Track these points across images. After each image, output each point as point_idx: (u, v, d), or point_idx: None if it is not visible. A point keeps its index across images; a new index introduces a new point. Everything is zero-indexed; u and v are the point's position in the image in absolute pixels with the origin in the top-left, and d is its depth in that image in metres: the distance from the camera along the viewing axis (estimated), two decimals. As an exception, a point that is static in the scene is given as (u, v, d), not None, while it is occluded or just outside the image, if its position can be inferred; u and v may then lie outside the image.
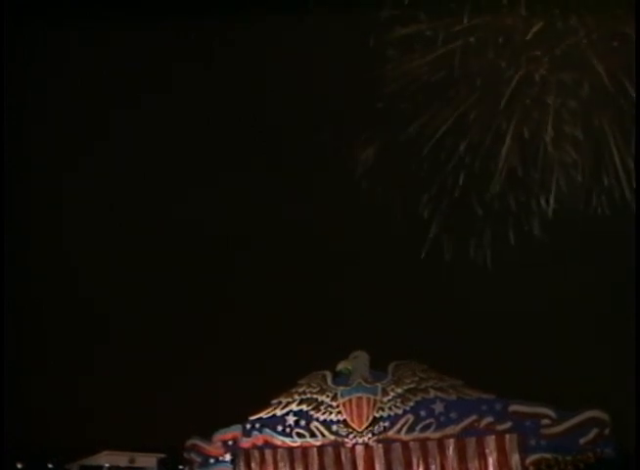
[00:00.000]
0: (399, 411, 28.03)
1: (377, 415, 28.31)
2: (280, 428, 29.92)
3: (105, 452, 34.65)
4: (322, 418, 29.29)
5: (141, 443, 35.24)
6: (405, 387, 28.10)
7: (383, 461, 28.03)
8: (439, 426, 27.31)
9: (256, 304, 37.10)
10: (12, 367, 23.50)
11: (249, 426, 30.49)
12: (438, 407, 27.44)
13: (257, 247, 37.77)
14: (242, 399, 32.43)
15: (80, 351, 37.85)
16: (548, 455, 25.33)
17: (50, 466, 34.59)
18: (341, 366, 29.20)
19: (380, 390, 28.46)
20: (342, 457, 28.73)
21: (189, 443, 31.58)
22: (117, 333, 38.91)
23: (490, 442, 26.45)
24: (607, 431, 24.90)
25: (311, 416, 29.52)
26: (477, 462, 26.55)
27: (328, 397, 29.39)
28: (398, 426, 27.94)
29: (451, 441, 27.07)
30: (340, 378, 29.43)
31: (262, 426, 30.27)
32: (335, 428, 29.00)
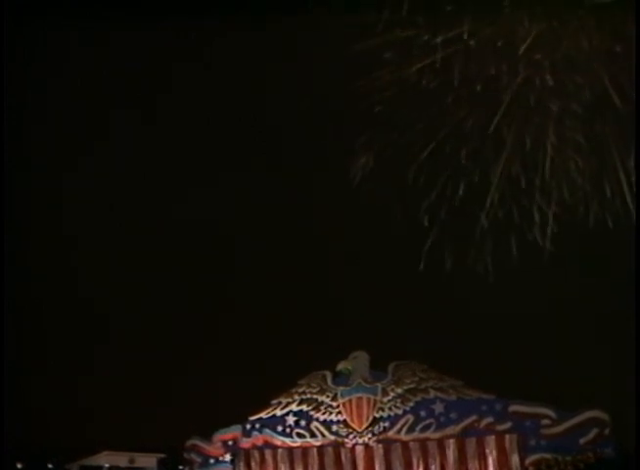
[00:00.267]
0: (399, 411, 28.01)
1: (377, 415, 28.30)
2: (280, 428, 29.90)
3: (105, 452, 34.63)
4: (322, 418, 29.27)
5: (141, 443, 35.24)
6: (405, 387, 28.09)
7: (383, 462, 28.01)
8: (439, 426, 27.30)
9: (256, 304, 37.12)
10: (12, 367, 23.49)
11: (249, 426, 30.47)
12: (438, 408, 27.42)
13: (257, 247, 37.77)
14: (242, 399, 32.46)
15: (80, 351, 37.85)
16: (548, 455, 25.31)
17: (50, 466, 34.56)
18: (340, 366, 29.18)
19: (380, 390, 28.44)
20: (342, 458, 28.71)
21: (189, 443, 31.57)
22: (117, 333, 38.92)
23: (490, 442, 26.44)
24: (607, 431, 24.89)
25: (311, 416, 29.50)
26: (477, 462, 26.54)
27: (328, 397, 29.38)
28: (398, 426, 27.92)
29: (451, 441, 27.06)
30: (340, 378, 29.42)
31: (262, 426, 30.25)
32: (335, 428, 28.99)
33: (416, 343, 31.21)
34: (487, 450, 26.43)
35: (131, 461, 34.74)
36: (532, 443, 25.79)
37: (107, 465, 34.13)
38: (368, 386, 28.68)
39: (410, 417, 27.79)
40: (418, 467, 27.48)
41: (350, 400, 28.82)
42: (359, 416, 28.58)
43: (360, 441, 28.45)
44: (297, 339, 34.58)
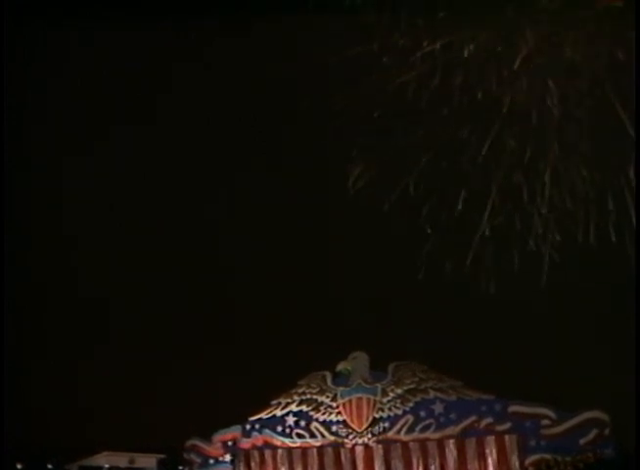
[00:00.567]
0: (399, 412, 28.03)
1: (377, 416, 28.31)
2: (280, 428, 29.91)
3: (105, 453, 34.59)
4: (322, 419, 29.28)
5: (141, 443, 35.22)
6: (405, 387, 28.10)
7: (382, 462, 28.03)
8: (439, 426, 27.31)
9: (256, 304, 37.10)
10: (12, 367, 23.50)
11: (248, 427, 30.49)
12: (438, 408, 27.44)
13: (257, 247, 37.76)
14: (242, 400, 32.45)
15: (80, 350, 37.84)
16: (548, 456, 25.32)
17: (50, 466, 34.53)
18: (340, 367, 29.19)
19: (379, 390, 28.45)
20: (342, 458, 28.73)
21: (189, 443, 31.59)
22: (117, 333, 38.91)
23: (490, 442, 26.45)
24: (607, 431, 24.90)
25: (311, 417, 29.51)
26: (476, 463, 26.55)
27: (328, 397, 29.38)
28: (398, 426, 27.93)
29: (451, 441, 27.08)
30: (339, 379, 29.43)
31: (262, 427, 30.26)
32: (334, 428, 29.00)
33: (416, 343, 31.18)
34: (487, 451, 26.44)
35: (131, 461, 34.70)
36: (532, 443, 25.81)
37: (106, 465, 34.10)
38: (368, 386, 28.69)
39: (410, 417, 27.80)
40: (418, 467, 27.49)
41: (350, 401, 28.83)
42: (359, 417, 28.58)
43: (360, 441, 28.46)
44: (297, 339, 34.56)
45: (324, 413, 29.31)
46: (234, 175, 36.60)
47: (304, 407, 29.72)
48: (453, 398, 27.32)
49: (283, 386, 30.51)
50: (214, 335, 36.95)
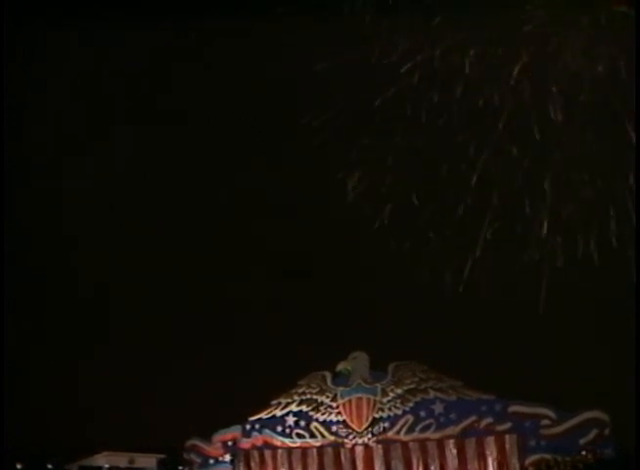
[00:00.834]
0: (399, 412, 28.04)
1: (376, 416, 28.32)
2: (280, 429, 29.92)
3: (104, 453, 34.59)
4: (322, 419, 29.29)
5: (141, 443, 35.21)
6: (405, 387, 28.11)
7: (382, 462, 28.04)
8: (439, 427, 27.33)
9: (256, 304, 37.10)
10: (12, 367, 23.48)
11: (248, 427, 30.50)
12: (438, 408, 27.45)
13: (257, 247, 37.73)
14: (242, 400, 32.45)
15: (80, 350, 37.83)
16: (548, 456, 25.35)
17: (50, 466, 34.50)
18: (340, 367, 29.20)
19: (379, 390, 28.46)
20: (342, 458, 28.74)
21: (189, 443, 31.61)
22: (117, 333, 38.88)
23: (490, 442, 26.47)
24: (607, 431, 24.93)
25: (311, 417, 29.52)
26: (476, 463, 26.56)
27: (328, 397, 29.39)
28: (398, 426, 27.94)
29: (451, 441, 27.09)
30: (339, 379, 29.44)
31: (262, 427, 30.27)
32: (334, 428, 29.00)
33: (416, 343, 31.16)
34: (487, 451, 26.46)
35: (131, 461, 34.69)
36: (532, 443, 25.84)
37: (106, 465, 34.08)
38: (368, 386, 28.70)
39: (410, 417, 27.81)
40: (417, 467, 27.51)
41: (350, 401, 28.84)
42: (359, 417, 28.59)
43: (360, 441, 28.46)
44: (297, 339, 34.53)
45: (324, 413, 29.31)
46: (234, 175, 36.57)
47: (304, 407, 29.72)
48: (453, 398, 27.34)
49: (283, 386, 30.54)
50: (214, 335, 36.94)
